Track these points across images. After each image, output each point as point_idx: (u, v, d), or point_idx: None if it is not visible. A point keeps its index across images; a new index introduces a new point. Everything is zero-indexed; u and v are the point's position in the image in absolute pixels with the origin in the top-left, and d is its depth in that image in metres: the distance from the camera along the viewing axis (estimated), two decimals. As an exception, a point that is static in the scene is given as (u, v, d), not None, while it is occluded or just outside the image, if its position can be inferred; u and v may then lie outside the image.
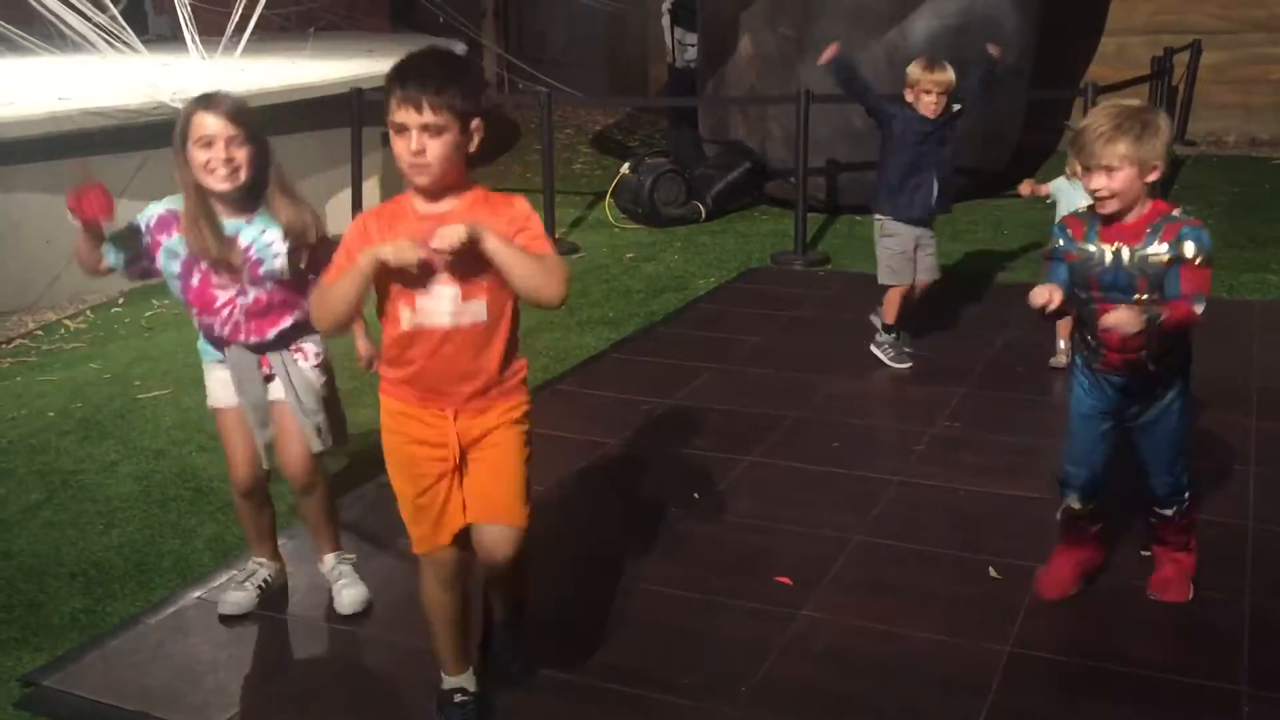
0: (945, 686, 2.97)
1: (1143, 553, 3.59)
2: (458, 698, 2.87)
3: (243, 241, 3.11)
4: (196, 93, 3.15)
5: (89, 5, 7.85)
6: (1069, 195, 5.31)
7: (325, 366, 3.31)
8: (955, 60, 8.08)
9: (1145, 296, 2.94)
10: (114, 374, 5.49)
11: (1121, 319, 2.87)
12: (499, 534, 2.73)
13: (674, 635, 3.25)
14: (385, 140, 9.36)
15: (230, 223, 3.10)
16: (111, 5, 8.04)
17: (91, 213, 3.04)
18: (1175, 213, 2.97)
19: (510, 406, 2.73)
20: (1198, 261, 2.92)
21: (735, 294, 6.69)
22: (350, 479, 4.26)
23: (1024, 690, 2.95)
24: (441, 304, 2.59)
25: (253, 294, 3.15)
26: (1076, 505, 3.27)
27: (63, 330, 6.33)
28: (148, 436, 4.70)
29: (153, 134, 7.04)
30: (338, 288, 2.57)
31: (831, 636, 3.21)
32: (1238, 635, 3.16)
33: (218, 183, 3.03)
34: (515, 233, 2.58)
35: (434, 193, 2.59)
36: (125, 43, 7.90)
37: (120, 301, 6.83)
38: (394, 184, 9.10)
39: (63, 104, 6.94)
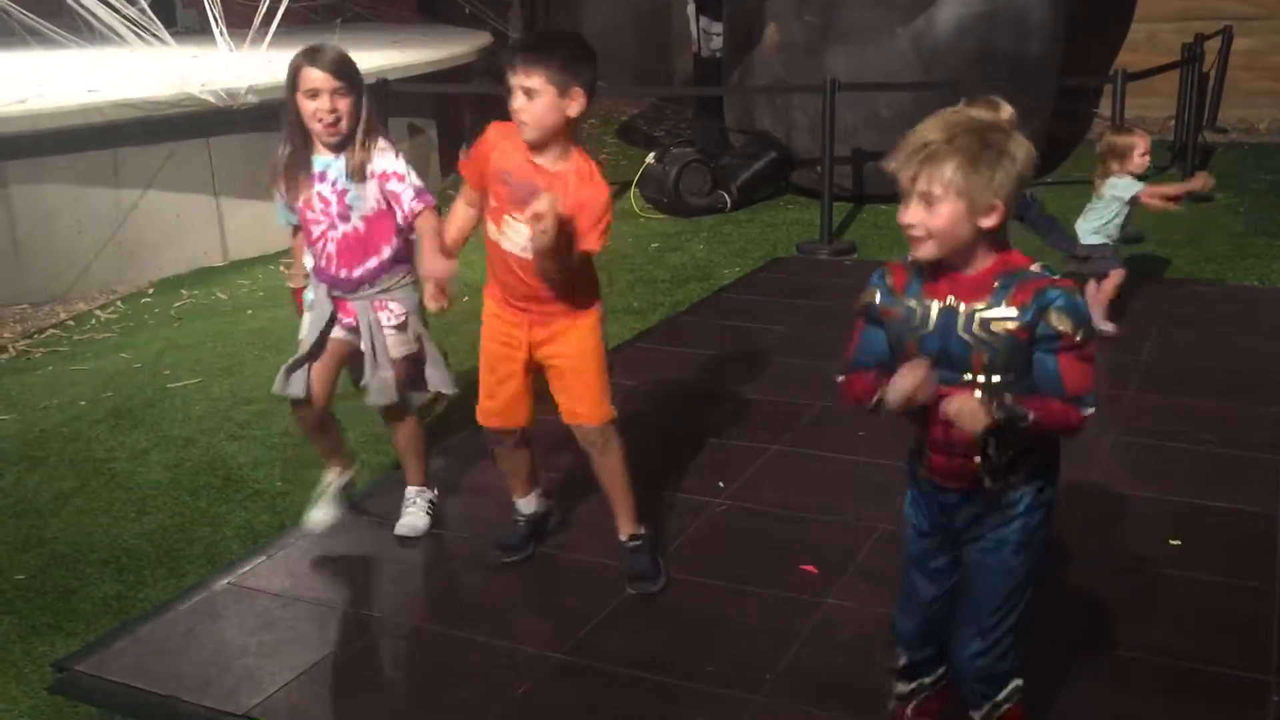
0: (971, 675, 2.97)
1: (1171, 542, 3.57)
2: (515, 517, 3.62)
3: (331, 176, 3.42)
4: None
5: (118, -2, 7.91)
6: (1129, 187, 5.26)
7: (408, 325, 3.57)
8: (983, 48, 8.12)
9: (981, 378, 2.15)
10: (144, 363, 5.54)
11: (965, 409, 2.08)
12: (584, 431, 3.36)
13: (698, 623, 3.26)
14: (412, 130, 9.40)
15: (322, 159, 3.43)
16: (140, -2, 8.10)
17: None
18: (1034, 268, 2.16)
19: (577, 322, 3.26)
20: (1079, 338, 2.11)
21: (761, 283, 6.68)
22: (379, 469, 4.28)
23: (1049, 680, 2.93)
24: (518, 236, 3.15)
25: (342, 228, 3.45)
26: (899, 664, 2.50)
27: (94, 320, 6.39)
28: (178, 425, 4.74)
29: (181, 125, 7.11)
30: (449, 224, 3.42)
31: (856, 625, 3.20)
32: (1267, 624, 3.14)
33: (324, 131, 3.36)
34: (577, 214, 3.05)
35: (538, 146, 3.11)
36: (154, 35, 7.95)
37: (150, 292, 6.89)
38: (420, 172, 9.12)
39: (92, 96, 6.99)
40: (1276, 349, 5.24)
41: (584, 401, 3.35)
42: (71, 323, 6.36)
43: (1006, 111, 3.86)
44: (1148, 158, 5.34)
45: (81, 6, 7.72)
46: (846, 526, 3.74)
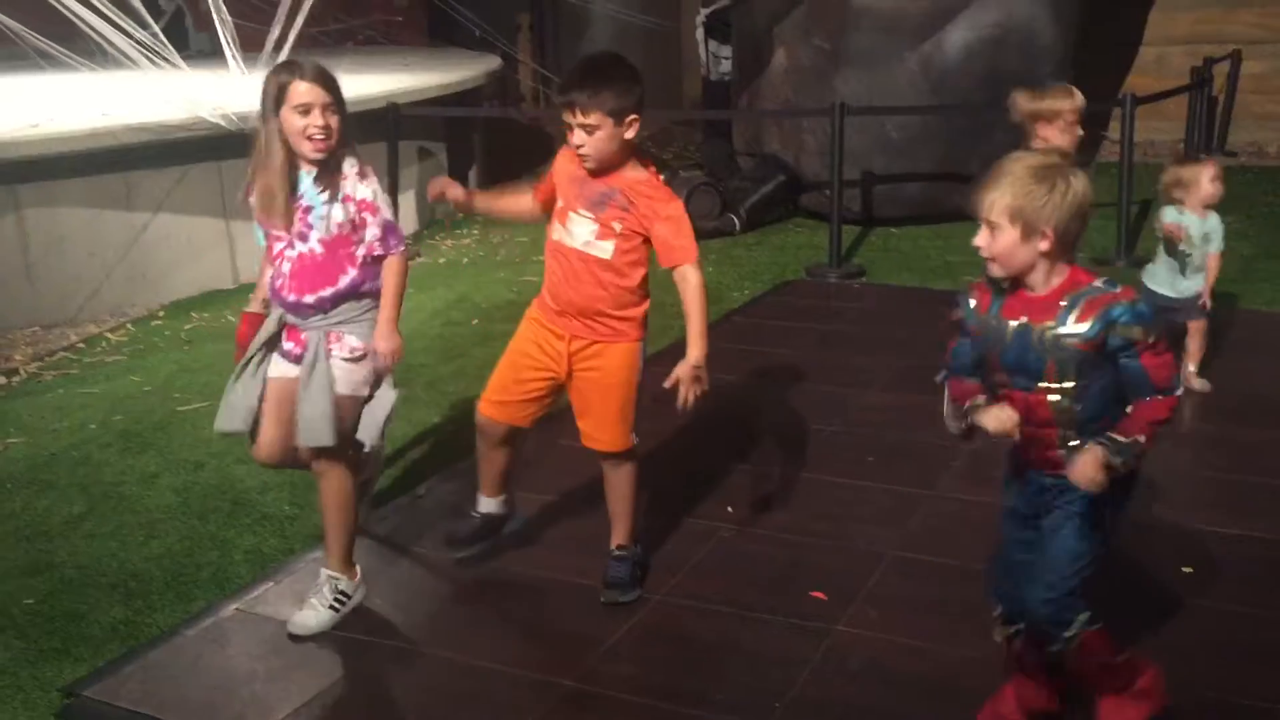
0: (981, 704, 2.94)
1: (1184, 569, 3.55)
2: (472, 513, 3.62)
3: (300, 191, 3.24)
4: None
5: (131, 22, 7.95)
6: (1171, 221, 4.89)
7: (362, 361, 3.29)
8: (991, 72, 8.13)
9: (1055, 384, 2.50)
10: (154, 386, 5.55)
11: (1085, 476, 2.43)
12: (600, 456, 3.42)
13: (706, 650, 3.24)
14: (422, 154, 9.43)
15: (300, 174, 3.26)
16: (153, 22, 8.15)
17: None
18: (1097, 283, 2.49)
19: (616, 346, 3.32)
20: (1151, 340, 2.46)
21: (770, 307, 6.67)
22: (388, 492, 4.27)
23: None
24: (580, 231, 3.25)
25: (299, 248, 3.25)
26: (998, 622, 2.83)
27: (104, 343, 6.40)
28: (187, 449, 4.74)
29: (192, 149, 7.14)
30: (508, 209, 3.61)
31: (867, 652, 3.19)
32: (1281, 654, 3.12)
33: (313, 149, 3.19)
34: (663, 225, 3.20)
35: (598, 172, 3.22)
36: (166, 59, 8.00)
37: (161, 314, 6.90)
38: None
39: (104, 119, 7.03)
40: (1288, 374, 5.22)
41: (603, 428, 3.39)
42: (82, 345, 6.37)
43: (1079, 99, 4.19)
44: (1220, 182, 4.92)
45: (94, 31, 7.76)
46: (856, 552, 3.73)
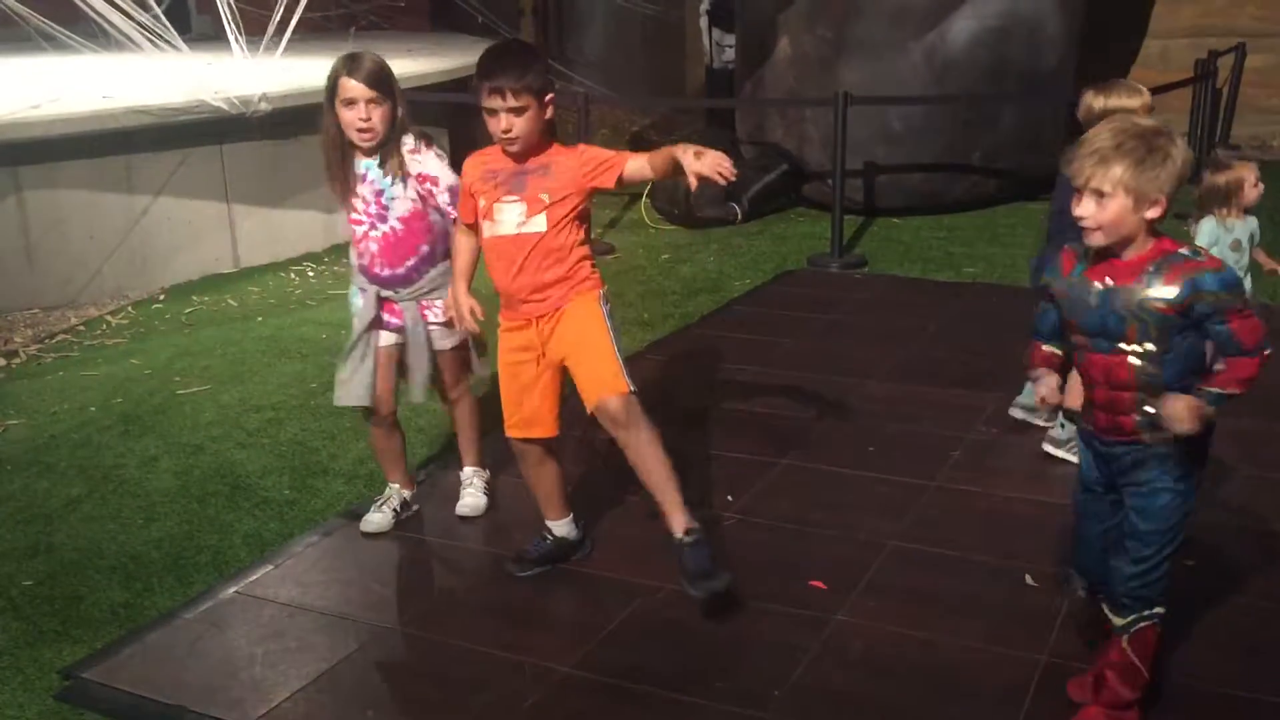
0: (980, 695, 2.95)
1: (1186, 562, 3.55)
2: (544, 535, 3.62)
3: (370, 177, 3.58)
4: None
5: (133, 4, 7.93)
6: (1212, 235, 4.54)
7: (450, 322, 3.66)
8: (996, 62, 8.12)
9: (1135, 346, 2.53)
10: (154, 370, 5.54)
11: (1175, 416, 2.49)
12: (608, 410, 3.24)
13: (707, 639, 3.24)
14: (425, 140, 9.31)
15: (364, 162, 3.59)
16: (155, 4, 8.12)
17: None
18: (1184, 250, 2.50)
19: (579, 297, 3.31)
20: (1239, 306, 2.50)
21: (771, 296, 6.67)
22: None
23: (1060, 701, 2.91)
24: (510, 217, 3.26)
25: (381, 229, 3.62)
26: (1080, 594, 2.95)
27: (105, 326, 6.40)
28: (187, 432, 4.75)
29: (194, 132, 7.13)
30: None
31: (866, 642, 3.19)
32: (1282, 647, 3.12)
33: (359, 139, 3.53)
34: (590, 173, 3.23)
35: (521, 157, 3.26)
36: (168, 41, 7.98)
37: (161, 297, 6.90)
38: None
39: (106, 102, 7.02)
40: (1289, 368, 5.21)
41: (596, 369, 3.26)
42: (83, 328, 6.37)
43: (1146, 96, 4.12)
44: (1261, 185, 4.59)
45: (97, 13, 7.74)
46: (856, 542, 3.73)
